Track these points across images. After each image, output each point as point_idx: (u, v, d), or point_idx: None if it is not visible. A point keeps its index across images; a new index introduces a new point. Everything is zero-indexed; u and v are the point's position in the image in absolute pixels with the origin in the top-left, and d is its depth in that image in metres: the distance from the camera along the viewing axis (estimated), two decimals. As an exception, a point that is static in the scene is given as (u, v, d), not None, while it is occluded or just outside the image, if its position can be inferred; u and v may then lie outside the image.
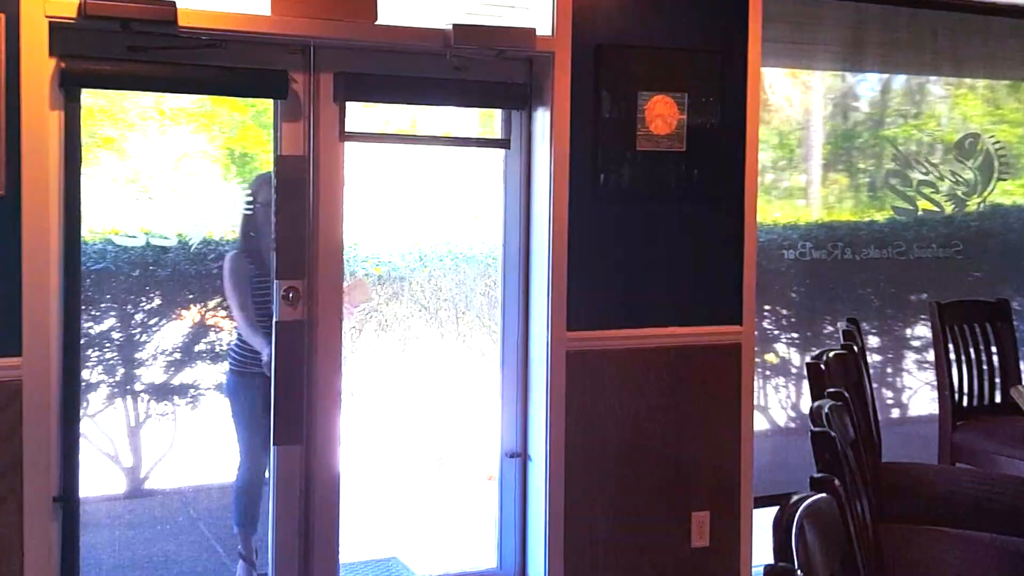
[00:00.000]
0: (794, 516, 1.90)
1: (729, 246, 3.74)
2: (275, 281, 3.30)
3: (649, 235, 3.62)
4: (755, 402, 3.96)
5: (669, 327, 3.65)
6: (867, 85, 4.93)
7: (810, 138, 4.91)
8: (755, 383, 3.99)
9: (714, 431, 3.72)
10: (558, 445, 3.49)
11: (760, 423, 4.42)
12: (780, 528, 1.89)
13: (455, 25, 3.24)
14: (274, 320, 3.31)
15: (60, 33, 2.89)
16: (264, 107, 3.57)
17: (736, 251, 3.75)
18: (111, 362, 3.42)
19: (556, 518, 3.49)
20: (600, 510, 3.57)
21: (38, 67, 2.84)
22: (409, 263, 5.61)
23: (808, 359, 2.91)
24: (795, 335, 4.72)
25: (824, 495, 2.04)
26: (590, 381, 3.53)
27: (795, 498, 1.99)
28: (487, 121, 3.93)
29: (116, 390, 3.43)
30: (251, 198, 3.54)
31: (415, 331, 5.62)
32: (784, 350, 4.73)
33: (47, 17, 2.84)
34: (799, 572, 1.80)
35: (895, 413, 4.84)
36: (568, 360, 3.49)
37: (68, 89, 2.94)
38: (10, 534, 2.82)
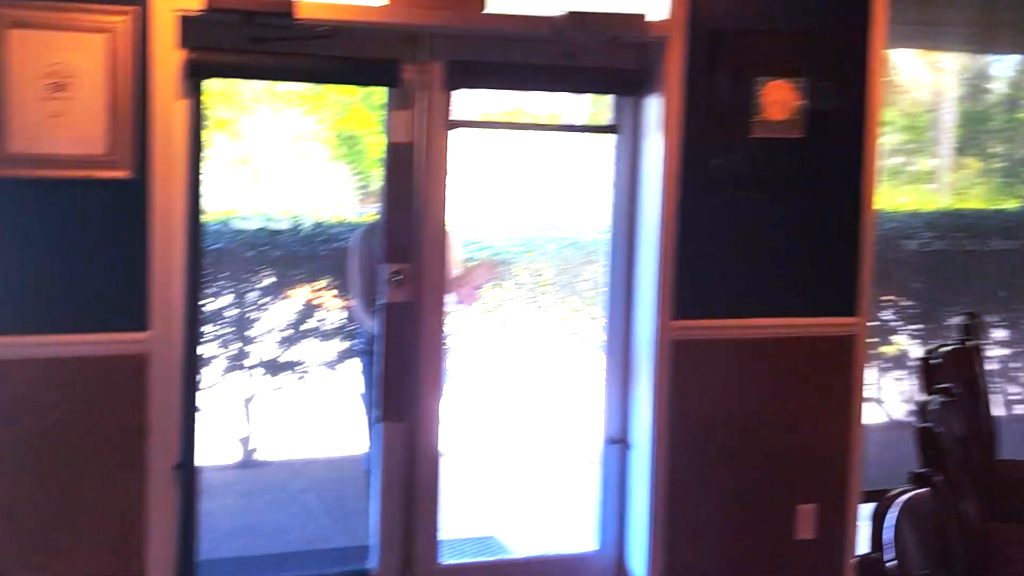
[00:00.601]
0: (892, 509, 2.04)
1: (846, 235, 3.79)
2: (383, 264, 3.54)
3: (762, 223, 3.70)
4: (871, 395, 4.02)
5: (780, 318, 3.74)
6: (1002, 66, 4.89)
7: (940, 120, 4.90)
8: (872, 375, 4.05)
9: (823, 423, 3.80)
10: (661, 433, 3.63)
11: (876, 416, 4.48)
12: (877, 520, 2.03)
13: (567, 12, 3.38)
14: (382, 302, 3.55)
15: (187, 25, 3.17)
16: (372, 89, 3.79)
17: (853, 240, 3.79)
18: (226, 337, 3.72)
19: (658, 505, 3.64)
20: (703, 499, 3.70)
21: (167, 58, 3.12)
22: (512, 247, 5.82)
23: (920, 353, 2.99)
24: (917, 327, 4.75)
25: (924, 490, 2.17)
26: (695, 370, 3.65)
27: (894, 491, 2.13)
28: (598, 103, 4.07)
29: (230, 364, 3.74)
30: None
31: (517, 315, 5.83)
32: (905, 342, 4.77)
33: (175, 11, 3.11)
34: (894, 562, 1.94)
35: (1021, 409, 4.82)
36: (673, 349, 3.62)
37: (193, 79, 3.22)
38: (135, 498, 3.15)
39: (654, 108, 3.62)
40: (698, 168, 3.60)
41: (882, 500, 2.04)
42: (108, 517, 3.14)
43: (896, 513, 1.98)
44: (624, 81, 3.66)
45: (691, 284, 3.63)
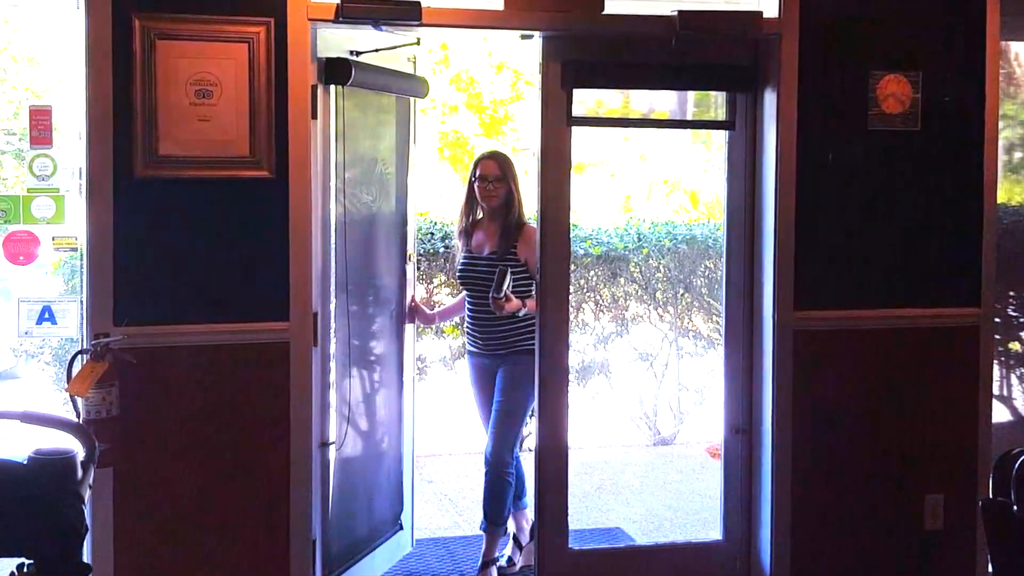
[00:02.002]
0: (1015, 462, 2.35)
1: (967, 227, 4.01)
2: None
3: (881, 215, 3.94)
4: (995, 392, 4.24)
5: (902, 308, 3.98)
6: None
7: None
8: (996, 372, 4.25)
9: (949, 414, 4.01)
10: (784, 423, 3.89)
11: (1001, 414, 4.65)
12: (1000, 469, 2.35)
13: (680, 12, 3.67)
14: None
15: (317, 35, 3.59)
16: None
17: (974, 232, 4.01)
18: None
19: (783, 494, 3.90)
20: (828, 488, 3.94)
21: (302, 64, 3.52)
22: (627, 243, 6.15)
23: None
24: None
25: (1045, 449, 2.46)
26: (818, 360, 3.91)
27: (1017, 449, 2.44)
28: (703, 100, 4.39)
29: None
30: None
31: (633, 310, 6.16)
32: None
33: (309, 20, 3.51)
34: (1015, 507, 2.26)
35: None
36: (795, 339, 3.89)
37: (327, 85, 3.64)
38: (281, 473, 3.56)
39: (769, 103, 3.89)
40: (816, 161, 3.86)
41: (1005, 455, 2.36)
42: (254, 492, 3.55)
43: (1018, 466, 2.30)
44: (738, 77, 3.93)
45: (812, 275, 3.88)
